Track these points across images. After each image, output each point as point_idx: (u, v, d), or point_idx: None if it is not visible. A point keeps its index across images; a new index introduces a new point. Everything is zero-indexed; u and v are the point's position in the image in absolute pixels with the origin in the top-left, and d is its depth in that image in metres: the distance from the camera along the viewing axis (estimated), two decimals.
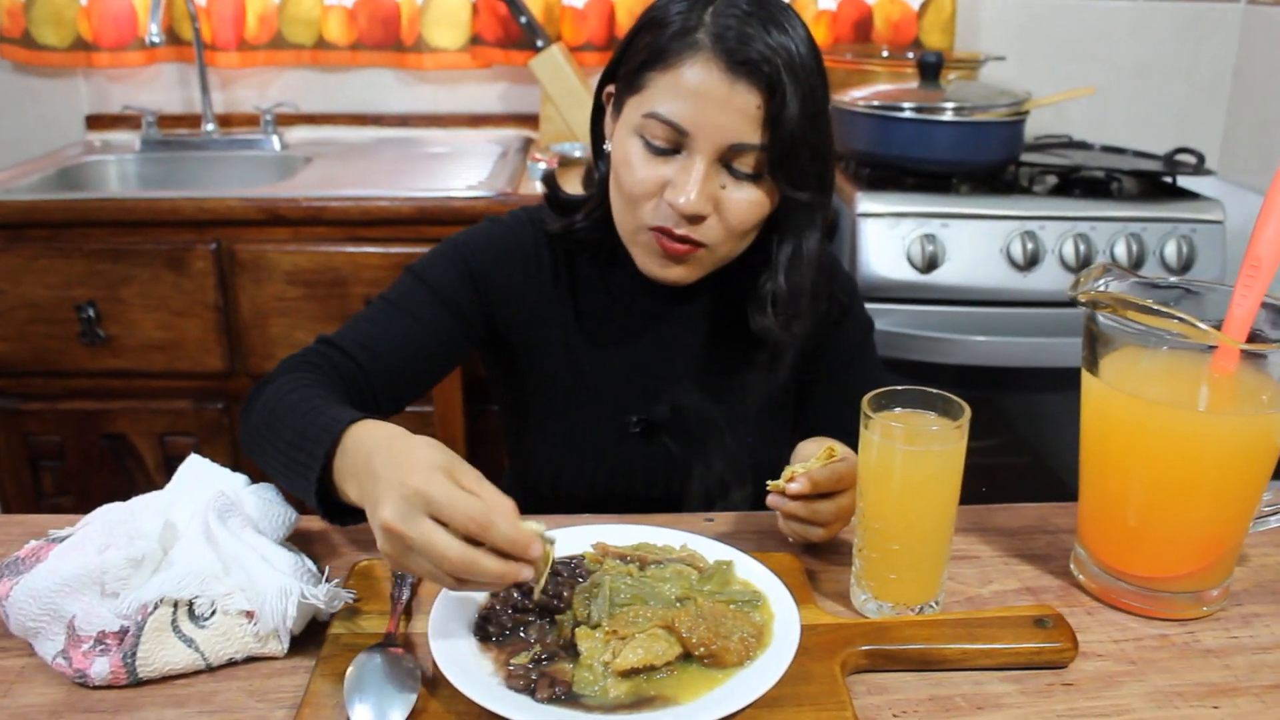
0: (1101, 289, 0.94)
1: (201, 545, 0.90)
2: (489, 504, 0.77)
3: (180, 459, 1.04)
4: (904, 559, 0.90)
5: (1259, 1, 2.55)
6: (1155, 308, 0.86)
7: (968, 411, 0.88)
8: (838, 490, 0.98)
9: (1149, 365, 0.91)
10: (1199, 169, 2.04)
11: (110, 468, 2.16)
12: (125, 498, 0.98)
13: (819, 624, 0.88)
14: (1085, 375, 0.95)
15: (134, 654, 0.82)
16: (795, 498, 0.96)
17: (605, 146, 1.16)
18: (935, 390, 0.92)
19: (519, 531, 0.77)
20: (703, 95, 1.02)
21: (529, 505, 0.87)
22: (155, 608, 0.85)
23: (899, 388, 0.92)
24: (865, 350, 1.32)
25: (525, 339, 1.23)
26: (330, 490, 0.91)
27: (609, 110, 1.16)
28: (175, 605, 0.85)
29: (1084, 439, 0.97)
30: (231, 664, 0.85)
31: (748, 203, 1.07)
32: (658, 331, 1.23)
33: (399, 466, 0.78)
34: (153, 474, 2.14)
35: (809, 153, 1.06)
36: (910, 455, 0.88)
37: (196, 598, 0.86)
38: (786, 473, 0.97)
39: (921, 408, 0.92)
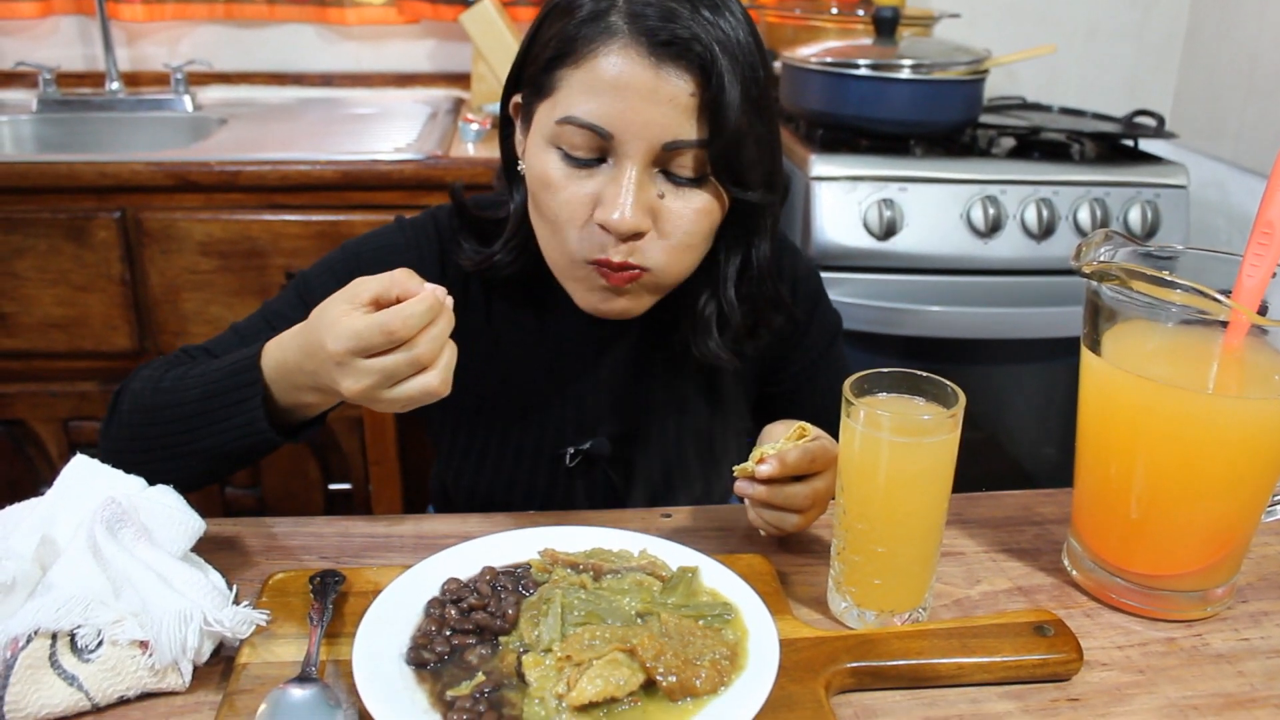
0: (1105, 258, 0.85)
1: (87, 563, 0.78)
2: (391, 311, 0.78)
3: (88, 445, 0.93)
4: (890, 563, 0.81)
5: None
6: (1169, 279, 0.77)
7: (962, 398, 0.79)
8: (812, 472, 0.88)
9: (1156, 342, 0.82)
10: (1159, 131, 1.98)
11: (9, 457, 1.99)
12: (26, 489, 0.86)
13: (798, 638, 0.78)
14: (1085, 353, 0.86)
15: (2, 696, 0.70)
16: (765, 482, 0.86)
17: (519, 167, 0.99)
18: (924, 373, 0.82)
19: (424, 300, 0.78)
20: (625, 88, 0.86)
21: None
22: (29, 641, 0.72)
23: (884, 370, 0.83)
24: (832, 356, 1.19)
25: None
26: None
27: (518, 124, 0.99)
28: (54, 637, 0.73)
29: (1082, 423, 0.89)
30: (123, 702, 0.74)
31: (693, 211, 0.91)
32: (593, 360, 1.09)
33: (318, 350, 0.81)
34: (56, 463, 1.98)
35: (755, 146, 0.91)
36: (899, 448, 0.78)
37: (79, 627, 0.74)
38: (755, 454, 0.87)
39: (909, 393, 0.83)
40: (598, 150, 0.90)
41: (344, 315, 0.79)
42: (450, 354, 0.81)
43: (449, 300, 0.81)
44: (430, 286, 0.80)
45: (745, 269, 1.00)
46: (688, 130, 0.88)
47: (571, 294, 0.98)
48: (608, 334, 1.07)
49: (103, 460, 0.89)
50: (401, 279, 0.80)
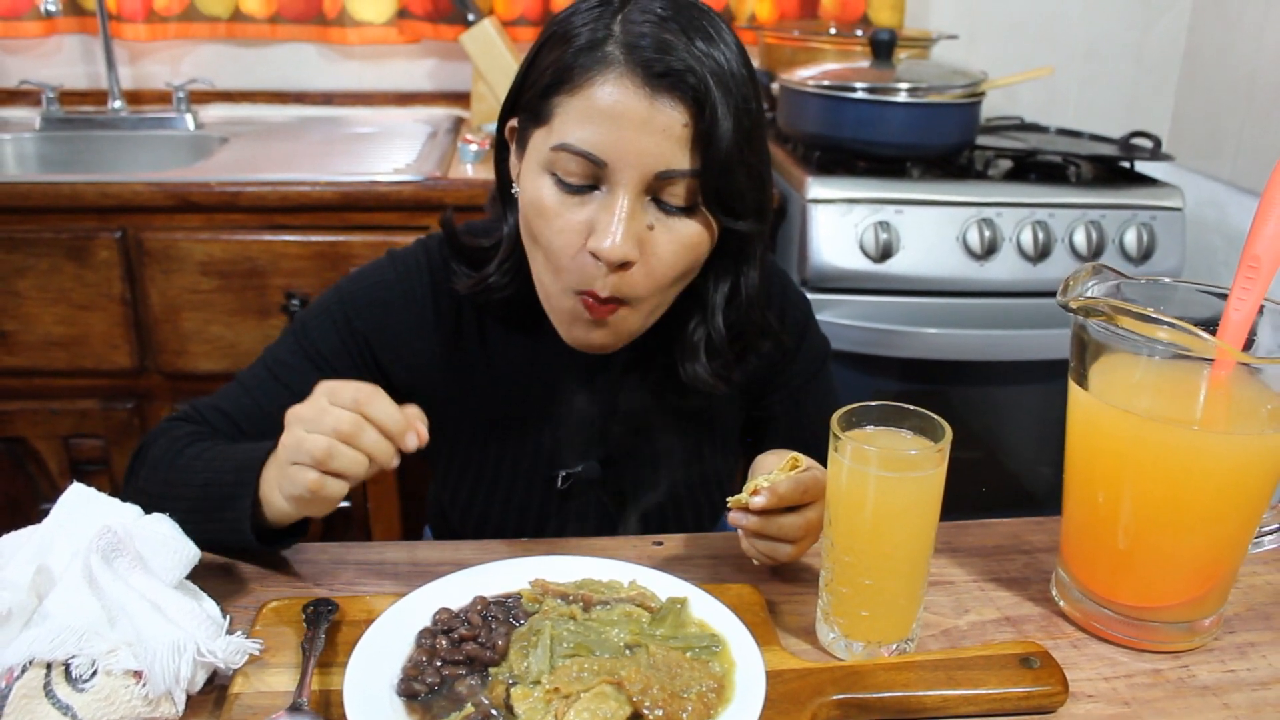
0: (1091, 293, 0.85)
1: (82, 593, 0.78)
2: (358, 412, 0.80)
3: (88, 462, 0.94)
4: (877, 595, 0.81)
5: None
6: (1155, 315, 0.78)
7: (949, 432, 0.80)
8: (804, 503, 0.89)
9: (1143, 375, 0.83)
10: (1156, 154, 1.99)
11: (9, 474, 2.00)
12: (27, 506, 0.88)
13: (785, 670, 0.79)
14: (1072, 387, 0.87)
15: None
16: (759, 513, 0.87)
17: (513, 190, 1.00)
18: (911, 406, 0.83)
19: (378, 441, 0.81)
20: (619, 117, 0.87)
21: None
22: (24, 670, 0.73)
23: (871, 404, 0.83)
24: (820, 382, 1.20)
25: (429, 394, 1.09)
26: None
27: (513, 147, 1.00)
28: (49, 666, 0.74)
29: (1069, 455, 0.89)
30: None
31: (679, 245, 0.92)
32: (587, 384, 1.10)
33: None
34: (57, 479, 1.99)
35: (746, 175, 0.91)
36: (885, 482, 0.79)
37: (74, 657, 0.74)
38: (749, 486, 0.88)
39: (896, 425, 0.83)
40: (591, 178, 0.90)
41: (321, 399, 0.82)
42: (338, 489, 0.81)
43: (393, 462, 0.82)
44: (411, 437, 0.82)
45: (734, 297, 1.01)
46: (680, 160, 0.89)
47: (555, 325, 0.99)
48: (599, 358, 1.08)
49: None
50: (414, 412, 0.83)
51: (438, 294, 1.08)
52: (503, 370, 1.09)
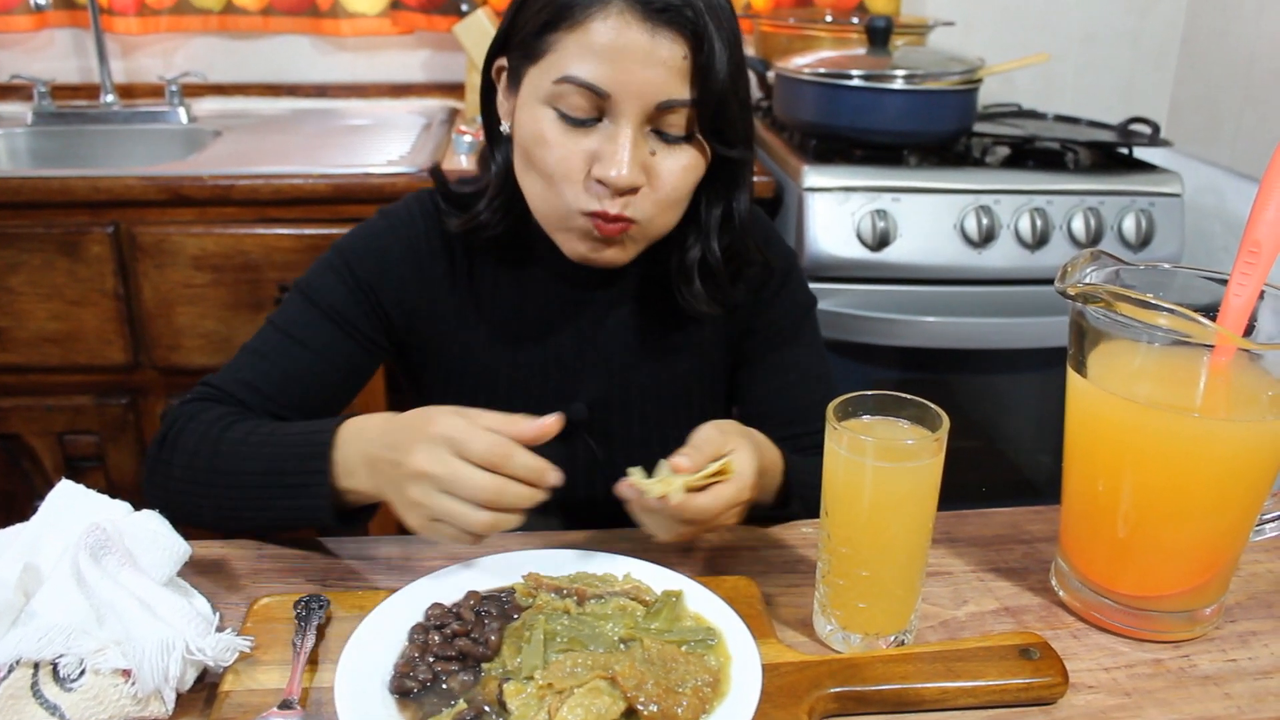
0: (1090, 279, 0.84)
1: (70, 591, 0.78)
2: (505, 437, 0.80)
3: (83, 459, 0.93)
4: (874, 587, 0.81)
5: None
6: (1154, 301, 0.77)
7: (946, 421, 0.79)
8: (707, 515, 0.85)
9: (1142, 362, 0.82)
10: (1154, 140, 1.97)
11: (4, 471, 1.99)
12: (22, 503, 0.87)
13: (781, 663, 0.78)
14: (1071, 375, 0.86)
15: None
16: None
17: (501, 128, 1.03)
18: (908, 395, 0.82)
19: (535, 459, 0.80)
20: (621, 51, 0.90)
21: None
22: (10, 670, 0.72)
23: (868, 393, 0.82)
24: (804, 329, 1.19)
25: (424, 339, 1.11)
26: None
27: (501, 87, 1.02)
28: (36, 666, 0.73)
29: (1068, 444, 0.88)
30: None
31: (680, 169, 0.96)
32: (574, 321, 1.11)
33: (415, 427, 0.82)
34: (52, 476, 1.98)
35: (737, 105, 0.95)
36: (882, 472, 0.78)
37: (61, 656, 0.73)
38: (656, 486, 0.82)
39: (893, 415, 0.82)
40: (594, 110, 0.93)
41: (462, 420, 0.81)
42: (489, 520, 0.80)
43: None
44: (553, 473, 0.82)
45: (727, 220, 1.04)
46: (680, 91, 0.92)
47: (561, 245, 1.00)
48: (587, 299, 1.10)
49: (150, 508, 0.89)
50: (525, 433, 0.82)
51: (430, 238, 1.09)
52: (492, 312, 1.11)
